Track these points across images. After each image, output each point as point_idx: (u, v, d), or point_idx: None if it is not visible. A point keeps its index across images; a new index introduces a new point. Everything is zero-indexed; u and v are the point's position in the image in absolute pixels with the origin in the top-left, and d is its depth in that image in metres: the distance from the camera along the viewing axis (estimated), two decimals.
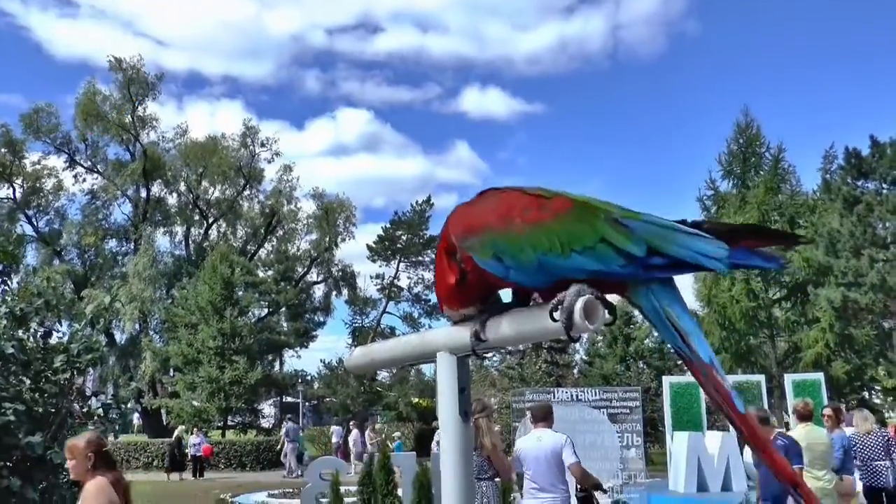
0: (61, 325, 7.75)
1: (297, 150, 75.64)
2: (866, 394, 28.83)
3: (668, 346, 1.64)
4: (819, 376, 20.36)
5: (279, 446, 27.12)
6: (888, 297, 22.88)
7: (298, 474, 25.22)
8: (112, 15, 62.82)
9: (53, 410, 6.33)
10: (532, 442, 6.89)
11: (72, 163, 39.05)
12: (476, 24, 70.00)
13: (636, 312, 32.76)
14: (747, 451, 16.03)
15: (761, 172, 29.12)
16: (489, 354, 1.77)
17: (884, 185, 24.98)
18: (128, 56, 38.28)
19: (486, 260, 1.62)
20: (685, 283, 31.48)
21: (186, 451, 26.14)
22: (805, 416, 7.94)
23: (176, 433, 26.96)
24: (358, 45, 68.38)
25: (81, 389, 7.32)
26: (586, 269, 1.55)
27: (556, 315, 1.48)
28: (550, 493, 6.70)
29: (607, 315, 1.51)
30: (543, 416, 7.05)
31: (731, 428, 18.30)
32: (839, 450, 8.47)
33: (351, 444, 26.35)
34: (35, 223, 38.82)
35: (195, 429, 27.71)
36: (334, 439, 27.83)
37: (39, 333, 6.90)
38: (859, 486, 8.85)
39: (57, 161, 38.94)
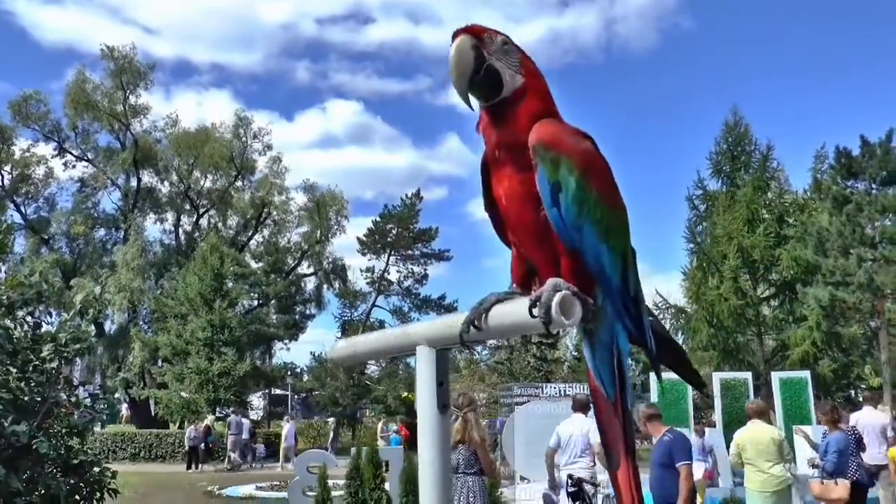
0: (51, 316, 7.73)
1: (286, 141, 75.17)
2: (853, 392, 29.00)
3: (598, 380, 1.80)
4: (805, 374, 20.49)
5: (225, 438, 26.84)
6: (875, 296, 22.99)
7: (238, 466, 25.17)
8: (98, 1, 62.29)
9: (40, 399, 6.31)
10: (567, 425, 8.97)
11: (61, 150, 38.87)
12: (469, 16, 69.72)
13: None
14: (733, 447, 16.16)
15: (750, 171, 29.23)
16: (478, 347, 1.81)
17: (873, 185, 25.05)
18: (119, 45, 38.11)
19: (547, 176, 1.63)
20: (674, 280, 31.54)
21: (224, 440, 26.21)
22: (755, 413, 8.66)
23: (206, 423, 26.85)
24: (349, 36, 68.09)
25: (69, 379, 7.31)
26: (599, 261, 1.66)
27: (535, 311, 1.50)
28: (579, 461, 8.78)
29: (583, 311, 1.52)
30: (581, 407, 9.16)
31: (716, 424, 18.46)
32: (833, 452, 8.61)
33: (283, 439, 25.86)
34: (23, 211, 38.70)
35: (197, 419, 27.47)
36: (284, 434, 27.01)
37: (27, 325, 6.89)
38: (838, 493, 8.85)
39: (46, 149, 38.83)
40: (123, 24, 62.95)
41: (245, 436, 26.32)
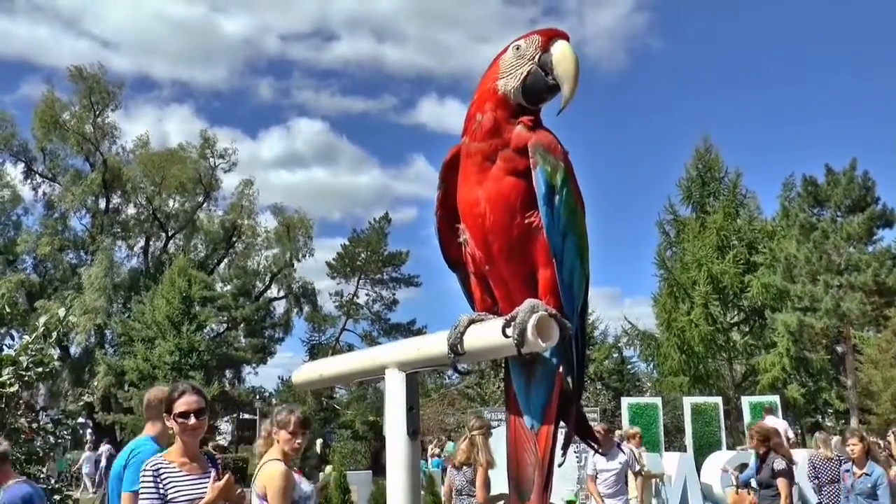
0: (13, 339, 7.57)
1: (250, 160, 74.35)
2: (820, 417, 29.20)
3: (525, 409, 1.76)
4: (775, 399, 20.64)
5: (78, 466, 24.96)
6: (841, 321, 23.25)
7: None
8: (52, 13, 61.01)
9: None
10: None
11: (28, 171, 38.37)
12: (435, 35, 69.56)
13: (595, 333, 32.93)
14: (704, 471, 16.22)
15: (720, 197, 29.49)
16: (463, 368, 1.75)
17: (838, 213, 25.41)
18: (87, 64, 37.70)
19: (545, 176, 1.68)
20: (643, 305, 31.70)
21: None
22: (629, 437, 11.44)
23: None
24: (313, 53, 67.66)
25: (30, 404, 7.14)
26: (571, 277, 1.65)
27: (509, 331, 1.44)
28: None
29: (561, 334, 1.48)
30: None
31: (688, 448, 18.49)
32: (750, 469, 10.14)
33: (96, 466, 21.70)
34: None
35: None
36: (85, 469, 23.18)
37: None
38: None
39: (13, 170, 38.28)
40: (79, 37, 61.63)
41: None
